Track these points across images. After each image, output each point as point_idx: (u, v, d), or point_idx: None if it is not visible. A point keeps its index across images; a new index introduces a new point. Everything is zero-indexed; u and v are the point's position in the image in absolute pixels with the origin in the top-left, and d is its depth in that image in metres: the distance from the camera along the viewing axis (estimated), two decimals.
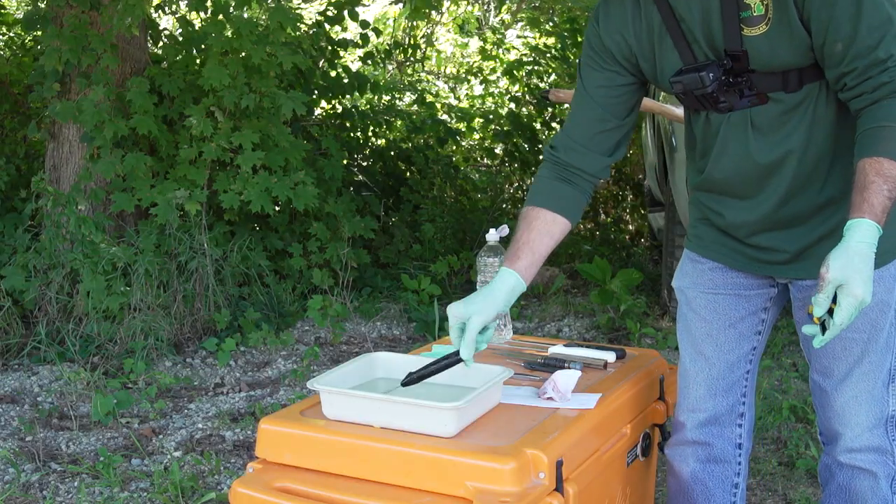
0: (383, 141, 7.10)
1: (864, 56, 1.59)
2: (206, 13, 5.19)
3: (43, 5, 4.86)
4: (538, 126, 7.92)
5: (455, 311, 1.77)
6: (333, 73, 5.93)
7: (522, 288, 1.81)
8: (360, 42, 6.14)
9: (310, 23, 5.92)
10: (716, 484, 1.99)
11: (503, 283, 1.80)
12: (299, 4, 6.62)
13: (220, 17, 4.96)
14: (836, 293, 1.54)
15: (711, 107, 1.76)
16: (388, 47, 7.47)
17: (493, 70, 8.37)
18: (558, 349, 2.17)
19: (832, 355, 1.82)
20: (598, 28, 1.84)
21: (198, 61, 5.16)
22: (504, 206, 7.40)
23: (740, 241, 1.85)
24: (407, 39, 8.54)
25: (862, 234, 1.54)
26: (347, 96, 6.16)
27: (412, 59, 8.57)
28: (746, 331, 1.92)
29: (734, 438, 1.98)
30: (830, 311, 1.56)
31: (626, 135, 1.90)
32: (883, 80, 1.59)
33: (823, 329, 1.58)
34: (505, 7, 8.68)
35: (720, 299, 1.91)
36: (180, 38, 5.44)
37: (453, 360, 1.76)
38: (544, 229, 1.84)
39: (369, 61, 6.69)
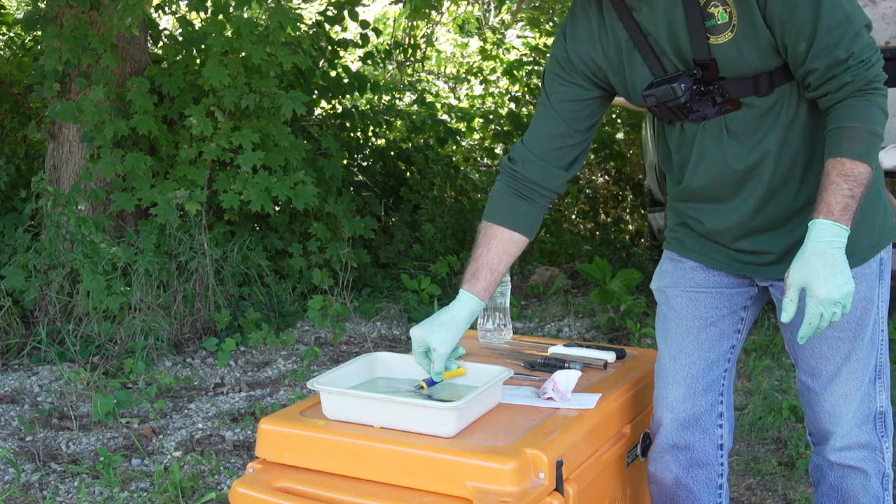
0: (383, 141, 7.10)
1: (824, 55, 1.61)
2: (206, 13, 5.19)
3: (43, 5, 4.85)
4: None
5: (418, 336, 1.82)
6: (333, 73, 5.93)
7: (481, 308, 1.86)
8: (360, 42, 6.14)
9: (310, 23, 5.92)
10: (700, 488, 1.99)
11: (463, 308, 1.84)
12: (299, 4, 6.62)
13: (220, 17, 4.96)
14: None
15: (685, 117, 1.78)
16: (388, 47, 7.47)
17: (493, 70, 8.37)
18: (558, 349, 2.17)
19: (819, 355, 1.83)
20: (564, 44, 1.85)
21: (198, 61, 5.16)
22: None
23: (724, 246, 1.87)
24: (407, 39, 8.54)
25: (817, 234, 1.59)
26: (347, 96, 6.16)
27: (412, 59, 8.57)
28: (727, 329, 1.93)
29: (716, 440, 1.98)
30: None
31: (585, 150, 1.93)
32: (845, 79, 1.61)
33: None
34: (505, 7, 8.68)
35: (701, 297, 1.92)
36: (180, 38, 5.44)
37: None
38: (502, 248, 1.88)
39: (369, 61, 6.69)
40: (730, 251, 1.87)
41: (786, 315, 1.61)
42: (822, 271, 1.57)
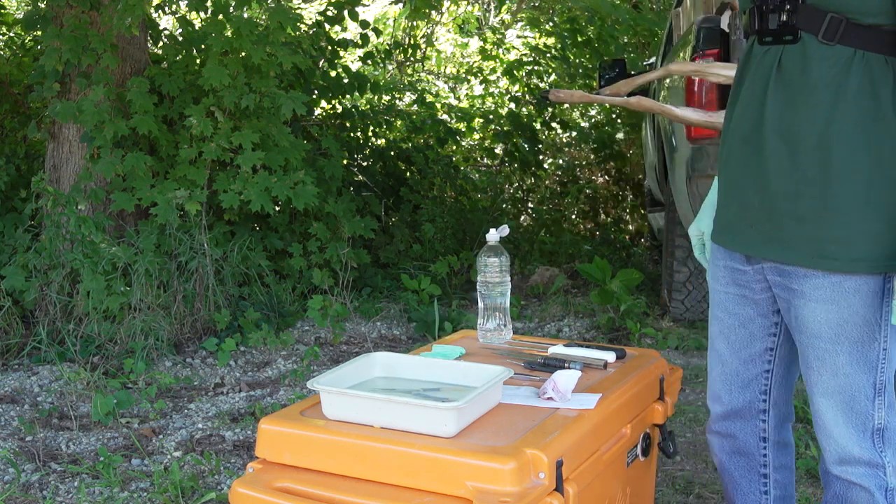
0: (383, 141, 7.10)
1: None
2: (206, 13, 5.19)
3: (43, 5, 4.86)
4: (538, 126, 7.92)
5: (693, 230, 2.00)
6: (333, 73, 5.93)
7: None
8: (360, 42, 6.14)
9: (310, 23, 5.93)
10: (742, 475, 2.01)
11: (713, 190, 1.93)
12: (299, 4, 6.62)
13: (220, 17, 4.96)
14: None
15: (756, 27, 1.74)
16: (388, 47, 7.47)
17: (493, 70, 8.38)
18: (558, 349, 2.16)
19: (807, 364, 1.79)
20: None
21: (198, 61, 5.16)
22: (504, 206, 7.40)
23: (731, 201, 1.83)
24: (407, 39, 8.55)
25: None
26: (347, 96, 6.16)
27: (412, 59, 8.58)
28: (758, 332, 1.91)
29: (758, 432, 1.98)
30: None
31: None
32: None
33: None
34: (505, 7, 8.69)
35: (730, 299, 1.91)
36: (180, 38, 5.44)
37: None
38: None
39: (369, 61, 6.69)
40: (731, 209, 1.83)
41: (894, 317, 1.62)
42: None
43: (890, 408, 1.78)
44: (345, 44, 6.10)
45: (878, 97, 1.64)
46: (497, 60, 8.36)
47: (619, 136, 8.35)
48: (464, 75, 8.59)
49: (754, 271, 1.85)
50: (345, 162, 5.84)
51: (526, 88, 7.98)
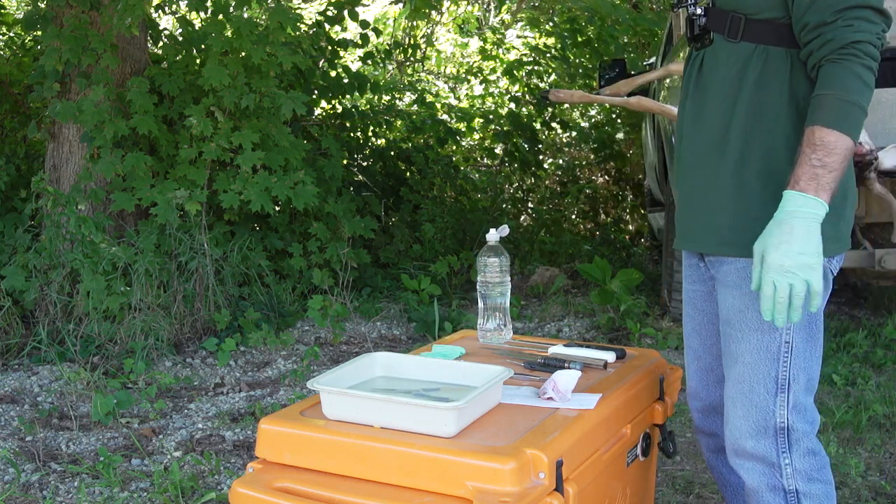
0: (383, 141, 7.10)
1: (820, 13, 1.64)
2: (206, 13, 5.19)
3: (43, 5, 4.86)
4: (538, 126, 7.92)
5: None
6: (333, 73, 5.93)
7: None
8: (360, 42, 6.14)
9: (310, 23, 5.93)
10: (729, 471, 2.02)
11: None
12: (299, 4, 6.62)
13: (220, 17, 4.96)
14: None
15: (690, 35, 1.85)
16: (388, 47, 7.47)
17: (493, 70, 8.38)
18: (558, 349, 2.16)
19: (721, 352, 1.86)
20: None
21: (198, 61, 5.16)
22: (504, 206, 7.40)
23: (678, 205, 1.94)
24: (407, 39, 8.55)
25: (782, 205, 1.61)
26: (347, 96, 6.16)
27: (412, 59, 8.58)
28: None
29: None
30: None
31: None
32: (828, 37, 1.63)
33: None
34: (505, 7, 8.69)
35: (698, 296, 1.96)
36: (180, 38, 5.44)
37: None
38: None
39: (369, 61, 6.69)
40: (678, 209, 1.92)
41: (753, 284, 1.64)
42: (776, 238, 1.58)
43: (796, 409, 1.77)
44: (345, 44, 6.10)
45: (773, 89, 1.72)
46: (497, 60, 8.37)
47: (619, 136, 8.35)
48: (464, 75, 8.60)
49: (705, 267, 1.92)
50: (345, 162, 5.84)
51: (526, 88, 7.98)
